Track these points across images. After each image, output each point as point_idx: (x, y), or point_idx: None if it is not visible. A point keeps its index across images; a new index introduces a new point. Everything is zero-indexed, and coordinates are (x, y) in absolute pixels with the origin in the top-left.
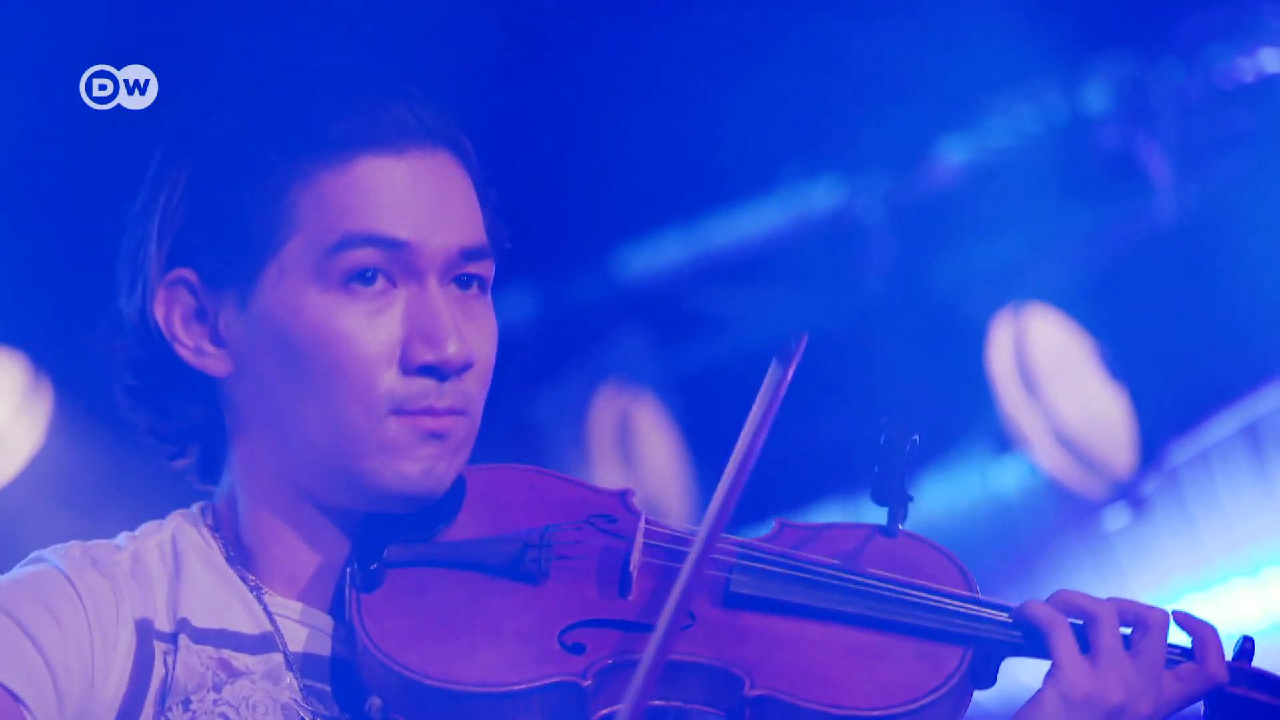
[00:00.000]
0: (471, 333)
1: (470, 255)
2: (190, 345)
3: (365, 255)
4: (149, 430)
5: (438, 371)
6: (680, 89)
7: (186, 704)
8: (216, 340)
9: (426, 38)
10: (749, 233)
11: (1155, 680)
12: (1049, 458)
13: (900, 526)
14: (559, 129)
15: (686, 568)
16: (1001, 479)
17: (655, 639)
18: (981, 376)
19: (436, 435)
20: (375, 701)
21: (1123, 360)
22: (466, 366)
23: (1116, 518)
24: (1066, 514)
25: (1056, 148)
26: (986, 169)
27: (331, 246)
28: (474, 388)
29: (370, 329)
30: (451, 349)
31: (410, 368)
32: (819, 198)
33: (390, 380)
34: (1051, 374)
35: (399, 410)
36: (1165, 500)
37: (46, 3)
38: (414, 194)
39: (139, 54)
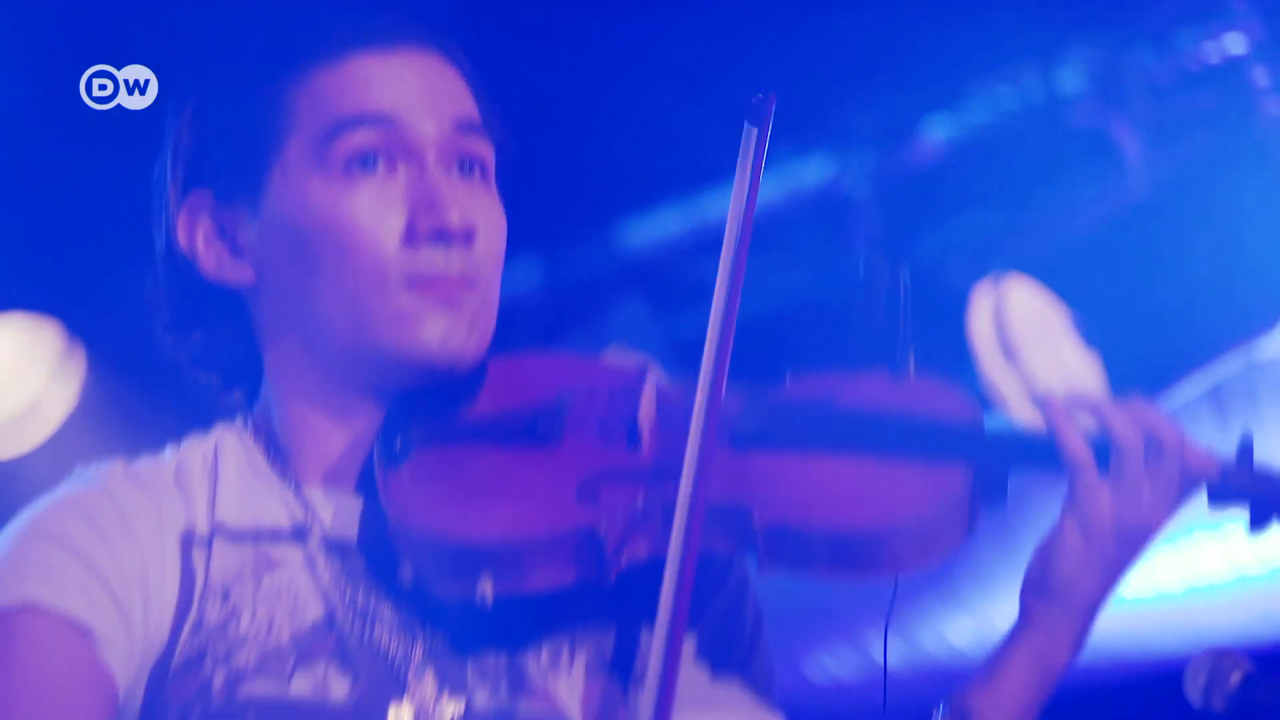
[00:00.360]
0: (475, 209)
1: (464, 127)
2: (212, 261)
3: (360, 136)
4: (193, 363)
5: (443, 237)
6: (680, 72)
7: (226, 596)
8: (236, 252)
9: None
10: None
11: (1169, 492)
12: (1026, 418)
13: (909, 368)
14: (562, 111)
15: (697, 417)
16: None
17: (686, 490)
18: (962, 342)
19: (449, 303)
20: (407, 568)
21: (1095, 327)
22: (469, 234)
23: None
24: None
25: (1034, 126)
26: (968, 146)
27: (327, 133)
28: (483, 260)
29: (374, 210)
30: (453, 216)
31: (416, 239)
32: (810, 174)
33: (398, 254)
34: (1028, 340)
35: (410, 283)
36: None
37: (46, 3)
38: (403, 80)
39: (139, 54)
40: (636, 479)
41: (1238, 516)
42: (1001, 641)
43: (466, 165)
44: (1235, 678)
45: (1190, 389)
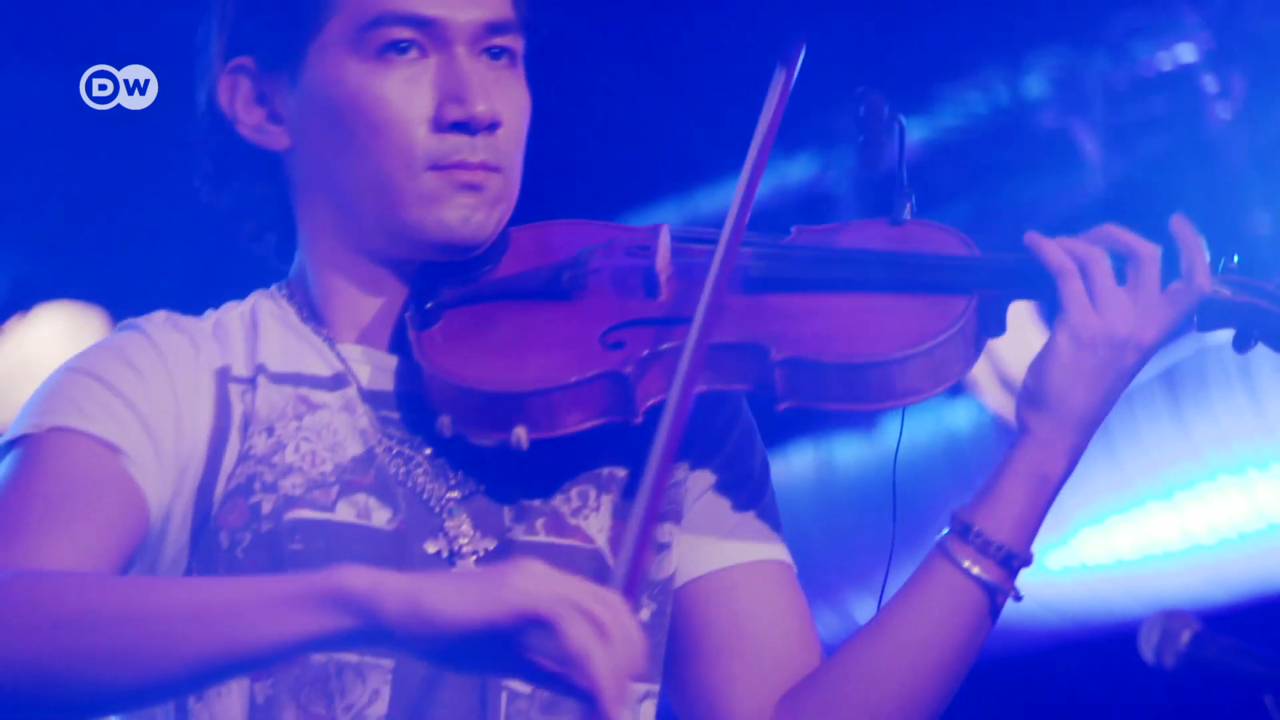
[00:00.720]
0: (500, 97)
1: (496, 28)
2: (250, 124)
3: (397, 31)
4: (228, 211)
5: (468, 127)
6: (675, 76)
7: (270, 430)
8: (274, 118)
9: None
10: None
11: (1153, 308)
12: (995, 399)
13: (907, 215)
14: (563, 115)
15: (714, 264)
16: (954, 418)
17: (694, 328)
18: None
19: (471, 186)
20: (445, 420)
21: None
22: (494, 124)
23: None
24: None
25: (1001, 128)
26: (940, 146)
27: (367, 23)
28: (506, 145)
29: (404, 93)
30: (479, 106)
31: (442, 125)
32: (796, 171)
33: (425, 138)
34: None
35: (435, 165)
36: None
37: (46, 3)
38: None
39: (139, 54)
40: (657, 325)
41: (1224, 334)
42: (1001, 458)
43: (495, 52)
44: (1185, 637)
45: (1145, 371)
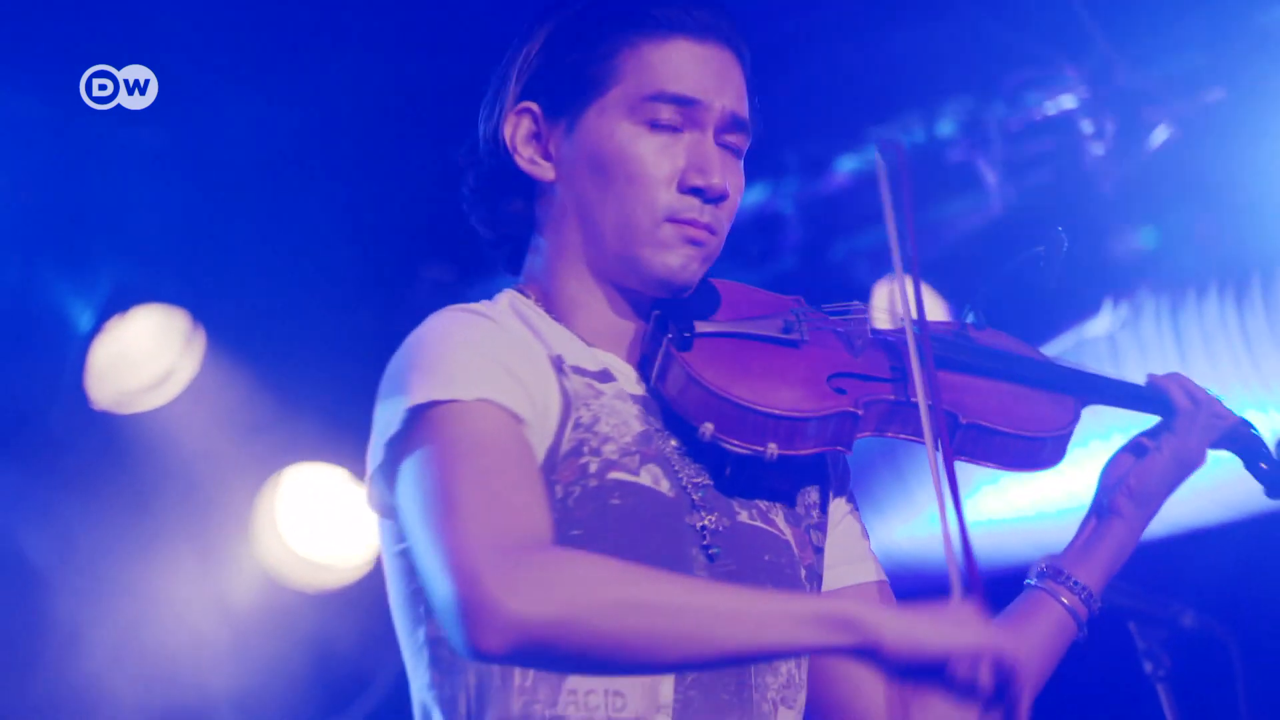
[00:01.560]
0: (730, 178)
1: (738, 122)
2: (526, 156)
3: (668, 111)
4: (480, 221)
5: (703, 194)
6: None
7: (588, 405)
8: (546, 155)
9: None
10: None
11: (1209, 437)
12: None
13: (971, 319)
14: None
15: (911, 340)
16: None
17: (923, 400)
18: None
19: (695, 242)
20: (708, 426)
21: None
22: (723, 197)
23: None
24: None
25: (919, 161)
26: (869, 176)
27: (646, 96)
28: (724, 216)
29: (660, 157)
30: (716, 179)
31: (685, 188)
32: (750, 196)
33: (668, 196)
34: None
35: (671, 219)
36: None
37: (46, 3)
38: (708, 69)
39: (139, 54)
40: (865, 379)
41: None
42: (1089, 526)
43: (730, 146)
44: None
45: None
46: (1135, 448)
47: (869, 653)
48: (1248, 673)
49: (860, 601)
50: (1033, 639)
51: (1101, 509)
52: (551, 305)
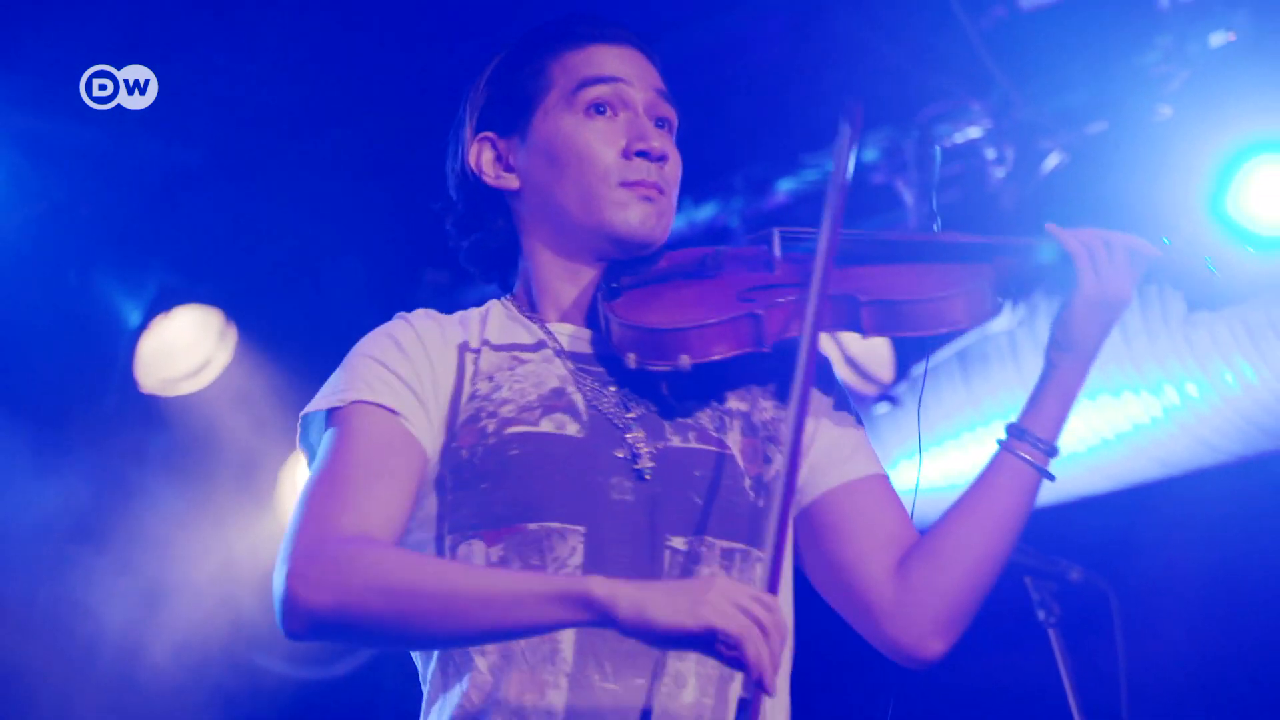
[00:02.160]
0: (667, 145)
1: (663, 96)
2: (493, 174)
3: (598, 90)
4: (469, 256)
5: (647, 155)
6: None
7: (491, 378)
8: (508, 168)
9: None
10: None
11: (1127, 275)
12: (842, 373)
13: (936, 228)
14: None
15: (820, 244)
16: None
17: (814, 288)
18: None
19: (648, 199)
20: (631, 356)
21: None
22: (664, 157)
23: (881, 408)
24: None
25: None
26: (805, 196)
27: (575, 87)
28: (670, 176)
29: (604, 136)
30: (655, 142)
31: (629, 153)
32: (701, 213)
33: (618, 164)
34: None
35: (624, 183)
36: (909, 398)
37: (46, 3)
38: (625, 62)
39: (139, 54)
40: (775, 288)
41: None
42: (1036, 385)
43: (660, 122)
44: None
45: (944, 353)
46: (1059, 309)
47: (610, 625)
48: (1123, 618)
49: (602, 579)
50: (999, 491)
51: (1044, 368)
52: (529, 299)
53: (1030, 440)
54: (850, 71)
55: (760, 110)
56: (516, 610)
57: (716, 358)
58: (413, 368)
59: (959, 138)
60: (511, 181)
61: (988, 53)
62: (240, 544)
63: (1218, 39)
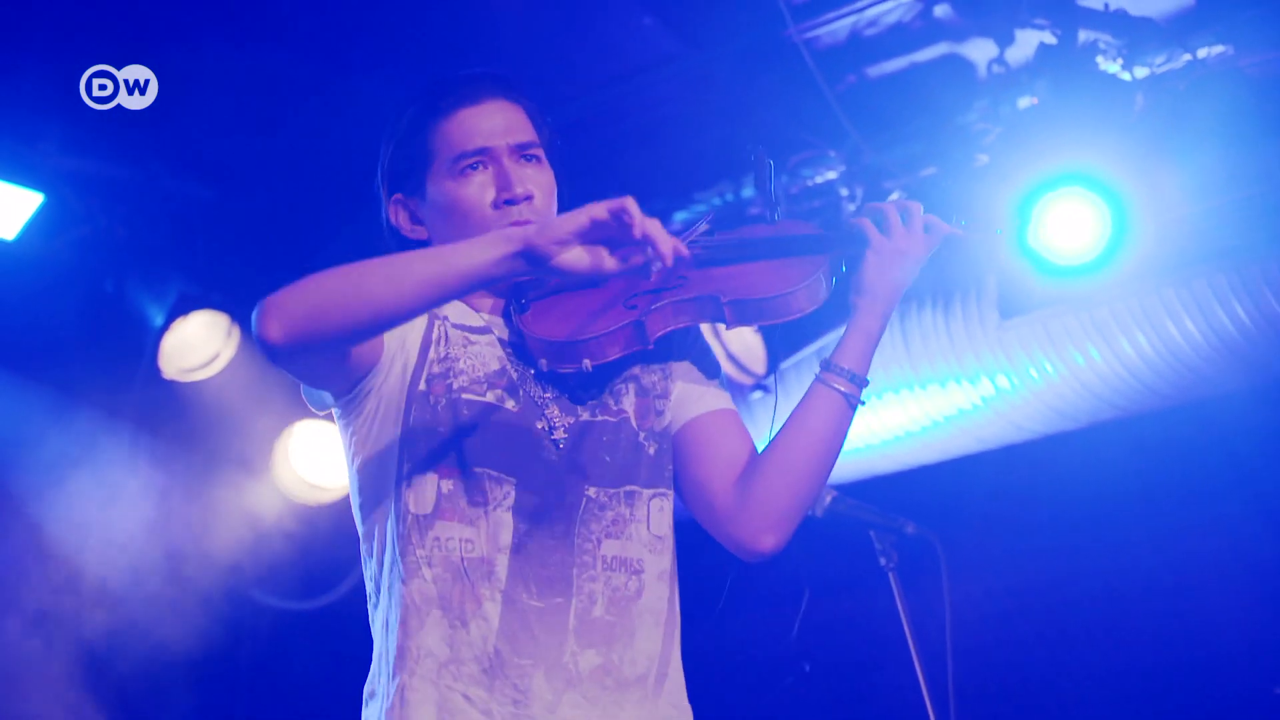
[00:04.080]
0: (532, 180)
1: (524, 147)
2: (407, 228)
3: (468, 160)
4: None
5: (513, 201)
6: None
7: (451, 347)
8: (417, 222)
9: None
10: None
11: (918, 237)
12: (725, 367)
13: (778, 217)
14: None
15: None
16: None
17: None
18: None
19: None
20: (543, 361)
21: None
22: (529, 197)
23: (755, 394)
24: (735, 393)
25: (729, 214)
26: (694, 224)
27: (453, 160)
28: (542, 207)
29: (478, 192)
30: (517, 188)
31: (498, 204)
32: None
33: (491, 214)
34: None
35: (500, 227)
36: (780, 387)
37: (46, 3)
38: (489, 121)
39: (139, 54)
40: (652, 292)
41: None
42: (846, 326)
43: (526, 156)
44: (828, 498)
45: (806, 350)
46: (861, 261)
47: (530, 256)
48: (948, 563)
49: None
50: (815, 415)
51: (851, 313)
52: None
53: (837, 371)
54: (732, 127)
55: (659, 156)
56: (452, 258)
57: (611, 359)
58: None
59: (819, 179)
60: (422, 233)
61: (842, 112)
62: (243, 501)
63: (1024, 102)
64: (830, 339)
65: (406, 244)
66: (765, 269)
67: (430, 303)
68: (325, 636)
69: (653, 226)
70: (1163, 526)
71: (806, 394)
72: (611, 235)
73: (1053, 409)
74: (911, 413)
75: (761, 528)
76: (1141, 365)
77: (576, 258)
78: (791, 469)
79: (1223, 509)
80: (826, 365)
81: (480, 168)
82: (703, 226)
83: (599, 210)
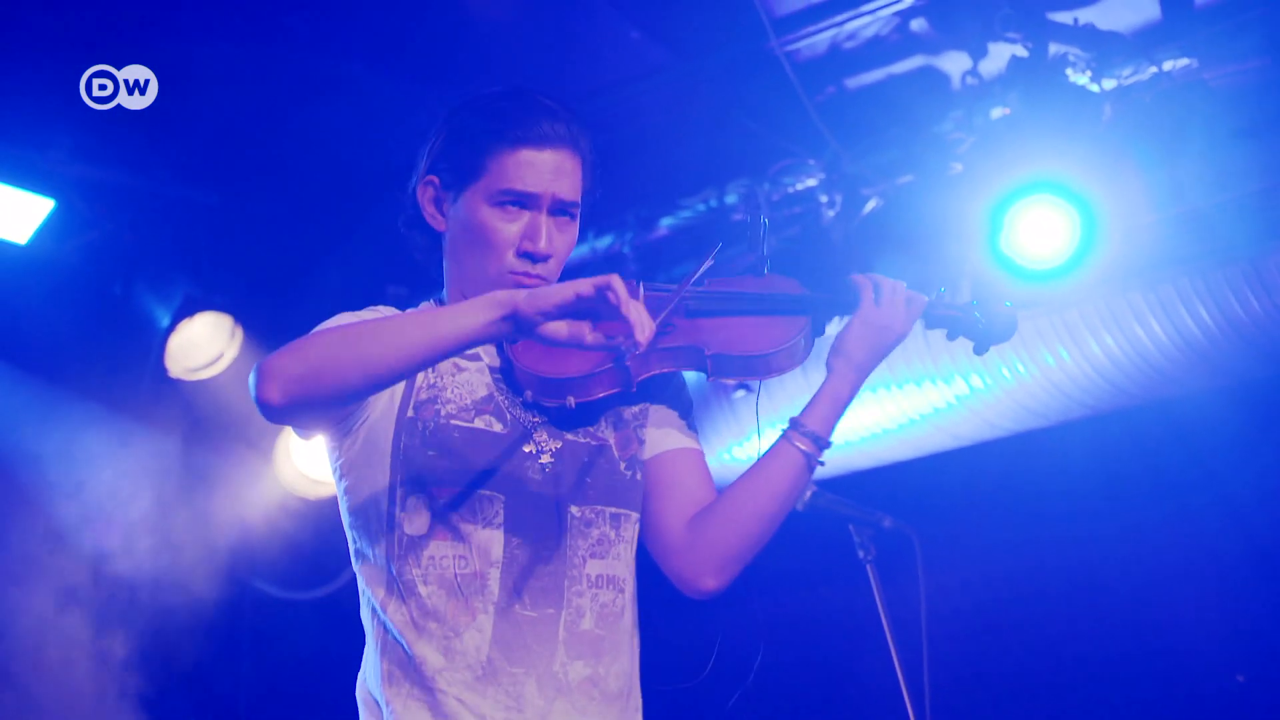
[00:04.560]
0: (557, 239)
1: (565, 205)
2: (429, 212)
3: (511, 197)
4: (413, 249)
5: (532, 256)
6: None
7: (440, 375)
8: (441, 213)
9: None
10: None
11: (902, 312)
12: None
13: (766, 271)
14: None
15: (667, 305)
16: (688, 374)
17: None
18: None
19: (524, 288)
20: (529, 392)
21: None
22: (548, 257)
23: (739, 394)
24: (719, 392)
25: (712, 221)
26: (684, 229)
27: (498, 192)
28: (553, 268)
29: (507, 229)
30: (542, 245)
31: (520, 253)
32: (601, 242)
33: (510, 256)
34: None
35: (512, 271)
36: (762, 386)
37: (46, 3)
38: (544, 168)
39: (139, 54)
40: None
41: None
42: (819, 389)
43: (564, 213)
44: (808, 494)
45: None
46: (843, 328)
47: (516, 321)
48: (924, 556)
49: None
50: (773, 470)
51: (826, 376)
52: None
53: (803, 431)
54: (716, 136)
55: (646, 163)
56: (439, 323)
57: (595, 398)
58: None
59: (799, 186)
60: (439, 224)
61: (822, 121)
62: (245, 494)
63: (997, 112)
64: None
65: (420, 222)
66: (751, 325)
67: (424, 364)
68: (325, 624)
69: (635, 309)
70: (1129, 520)
71: (770, 448)
72: (594, 309)
73: (1024, 407)
74: (889, 411)
75: (707, 569)
76: (1109, 366)
77: (557, 329)
78: (744, 518)
79: (1186, 503)
80: (795, 423)
81: (519, 207)
82: (708, 263)
83: (585, 287)
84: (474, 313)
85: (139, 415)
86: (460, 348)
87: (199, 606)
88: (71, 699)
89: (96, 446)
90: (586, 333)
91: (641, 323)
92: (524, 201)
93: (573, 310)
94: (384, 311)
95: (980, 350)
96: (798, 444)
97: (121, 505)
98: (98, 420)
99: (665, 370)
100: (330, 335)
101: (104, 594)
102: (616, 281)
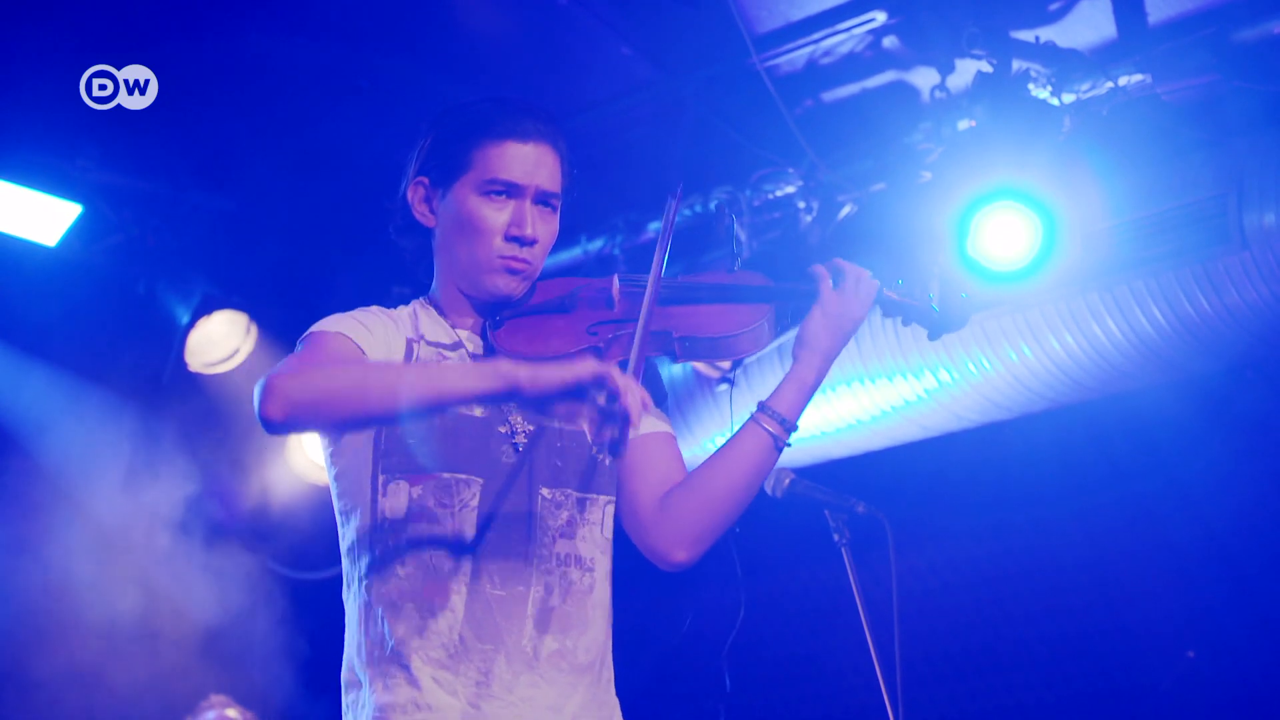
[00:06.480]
0: (540, 227)
1: (548, 195)
2: (419, 210)
3: (498, 187)
4: (407, 254)
5: (520, 240)
6: None
7: (422, 361)
8: (431, 210)
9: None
10: (556, 264)
11: (859, 299)
12: (695, 363)
13: (737, 267)
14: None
15: (646, 296)
16: (674, 370)
17: (640, 325)
18: None
19: (513, 271)
20: None
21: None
22: (534, 241)
23: (721, 386)
24: (702, 384)
25: (699, 226)
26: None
27: (485, 183)
28: (538, 254)
29: (494, 216)
30: (528, 230)
31: (508, 237)
32: (593, 246)
33: (498, 243)
34: None
35: (501, 256)
36: (742, 379)
37: (46, 3)
38: (528, 160)
39: (139, 54)
40: (615, 323)
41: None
42: (786, 374)
43: (544, 199)
44: (786, 480)
45: (771, 344)
46: (805, 316)
47: (515, 396)
48: (896, 541)
49: (510, 361)
50: (741, 450)
51: (792, 362)
52: (439, 306)
53: (770, 414)
54: (700, 146)
55: (634, 172)
56: (442, 379)
57: None
58: (372, 336)
59: (779, 193)
60: (429, 221)
61: (800, 132)
62: (259, 481)
63: (963, 124)
64: (788, 338)
65: (411, 221)
66: (716, 311)
67: (421, 413)
68: (334, 603)
69: (630, 397)
70: (1087, 506)
71: (740, 428)
72: (589, 393)
73: (989, 400)
74: (863, 403)
75: (677, 543)
76: (1069, 362)
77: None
78: (712, 495)
79: (1140, 490)
80: (762, 407)
81: (505, 197)
82: (672, 214)
83: (585, 374)
84: (479, 380)
85: (159, 407)
86: (460, 405)
87: (219, 583)
88: (84, 675)
89: (119, 436)
90: (581, 414)
91: (637, 407)
92: (510, 191)
93: (569, 393)
94: (373, 314)
95: (933, 336)
96: (765, 426)
97: (143, 491)
98: (120, 411)
99: (648, 355)
100: (337, 371)
101: (128, 577)
102: (615, 372)
